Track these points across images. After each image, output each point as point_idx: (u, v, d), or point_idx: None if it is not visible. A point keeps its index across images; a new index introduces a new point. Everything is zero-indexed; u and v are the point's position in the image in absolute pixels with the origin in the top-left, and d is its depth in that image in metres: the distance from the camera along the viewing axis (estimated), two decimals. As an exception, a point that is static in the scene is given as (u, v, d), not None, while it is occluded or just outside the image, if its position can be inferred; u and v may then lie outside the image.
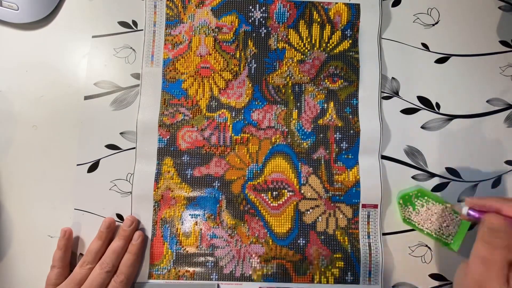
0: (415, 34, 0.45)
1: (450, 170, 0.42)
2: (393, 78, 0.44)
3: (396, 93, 0.44)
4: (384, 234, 0.41)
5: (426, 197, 0.40)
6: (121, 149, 0.42)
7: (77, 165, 0.42)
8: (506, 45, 0.44)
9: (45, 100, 0.43)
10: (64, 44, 0.44)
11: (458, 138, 0.43)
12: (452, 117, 0.43)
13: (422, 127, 0.43)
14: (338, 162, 0.42)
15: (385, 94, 0.44)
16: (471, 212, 0.34)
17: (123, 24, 0.44)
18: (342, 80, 0.44)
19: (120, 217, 0.41)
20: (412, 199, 0.41)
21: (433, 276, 0.41)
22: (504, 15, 0.45)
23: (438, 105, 0.44)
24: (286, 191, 0.42)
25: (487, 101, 0.44)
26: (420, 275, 0.41)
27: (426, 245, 0.41)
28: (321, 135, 0.42)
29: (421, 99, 0.44)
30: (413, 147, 0.43)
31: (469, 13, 0.45)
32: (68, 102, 0.43)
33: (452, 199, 0.42)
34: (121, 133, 0.43)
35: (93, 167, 0.42)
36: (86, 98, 0.43)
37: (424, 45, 0.45)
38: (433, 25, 0.45)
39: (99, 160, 0.42)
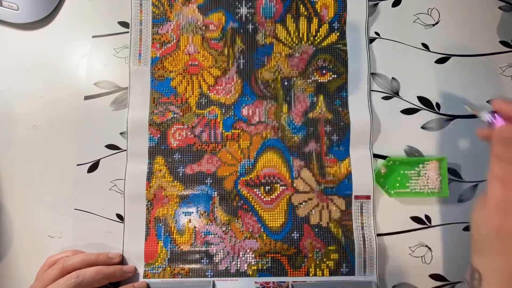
0: (415, 34, 0.45)
1: (450, 170, 0.42)
2: (393, 78, 0.44)
3: (396, 93, 0.44)
4: (384, 234, 0.41)
5: (401, 164, 0.41)
6: (121, 149, 0.42)
7: (77, 165, 0.42)
8: (506, 45, 0.44)
9: (45, 100, 0.43)
10: (64, 44, 0.44)
11: (458, 138, 0.43)
12: (452, 117, 0.43)
13: (422, 127, 0.43)
14: (330, 155, 0.42)
15: (385, 94, 0.44)
16: (489, 117, 0.27)
17: (123, 24, 0.44)
18: (331, 73, 0.44)
19: (120, 217, 0.41)
20: (396, 177, 0.42)
21: (434, 276, 0.41)
22: (504, 15, 0.45)
23: (438, 105, 0.43)
24: (278, 185, 0.42)
25: (487, 101, 0.44)
26: (421, 275, 0.41)
27: (427, 246, 0.41)
28: (312, 128, 0.42)
29: (421, 99, 0.44)
30: (413, 147, 0.43)
31: (469, 13, 0.45)
32: (68, 102, 0.43)
33: (452, 199, 0.42)
34: (121, 133, 0.42)
35: (93, 167, 0.42)
36: (86, 98, 0.43)
37: (424, 45, 0.45)
38: (433, 25, 0.45)
39: (99, 160, 0.42)
